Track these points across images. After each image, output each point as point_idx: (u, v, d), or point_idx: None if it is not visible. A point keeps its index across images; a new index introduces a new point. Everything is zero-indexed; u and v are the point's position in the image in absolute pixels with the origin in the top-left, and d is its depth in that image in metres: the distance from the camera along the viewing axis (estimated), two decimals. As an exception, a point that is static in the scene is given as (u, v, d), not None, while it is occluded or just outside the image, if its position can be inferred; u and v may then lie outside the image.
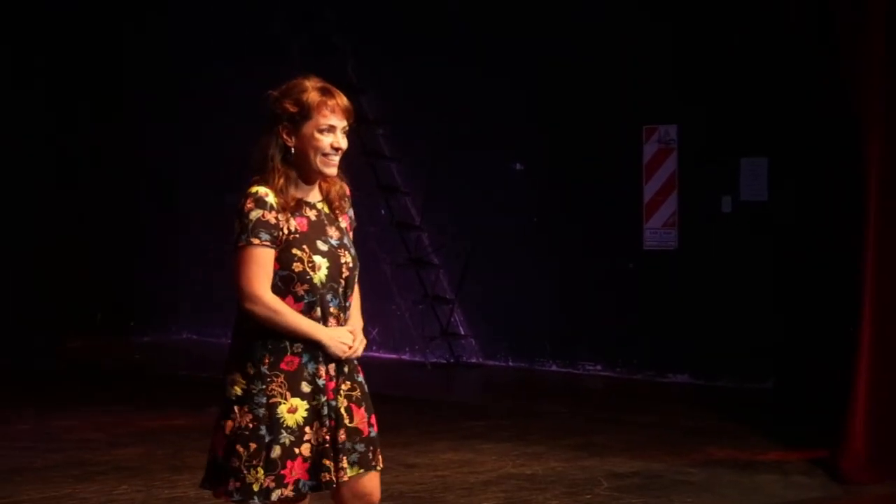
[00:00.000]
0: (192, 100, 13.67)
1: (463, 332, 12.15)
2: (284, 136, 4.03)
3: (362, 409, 4.10)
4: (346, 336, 4.04)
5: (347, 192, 4.20)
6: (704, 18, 10.57)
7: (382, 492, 4.25)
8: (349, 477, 4.05)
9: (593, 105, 11.11)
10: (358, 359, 4.16)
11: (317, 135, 4.01)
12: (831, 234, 9.61)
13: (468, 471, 7.16)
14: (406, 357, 12.24)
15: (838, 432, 7.16)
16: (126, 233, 13.84)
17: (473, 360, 12.05)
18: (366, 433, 4.10)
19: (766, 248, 10.25)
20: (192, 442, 8.00)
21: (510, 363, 11.80)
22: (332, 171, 4.07)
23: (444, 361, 12.03)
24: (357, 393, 4.10)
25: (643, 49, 10.84)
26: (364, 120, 12.55)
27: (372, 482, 4.14)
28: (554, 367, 11.47)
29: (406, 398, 9.70)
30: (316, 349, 4.01)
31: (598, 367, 11.21)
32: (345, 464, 4.02)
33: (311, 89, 4.04)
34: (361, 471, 4.08)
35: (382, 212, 12.30)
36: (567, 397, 10.16)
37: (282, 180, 4.00)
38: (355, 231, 4.26)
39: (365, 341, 4.13)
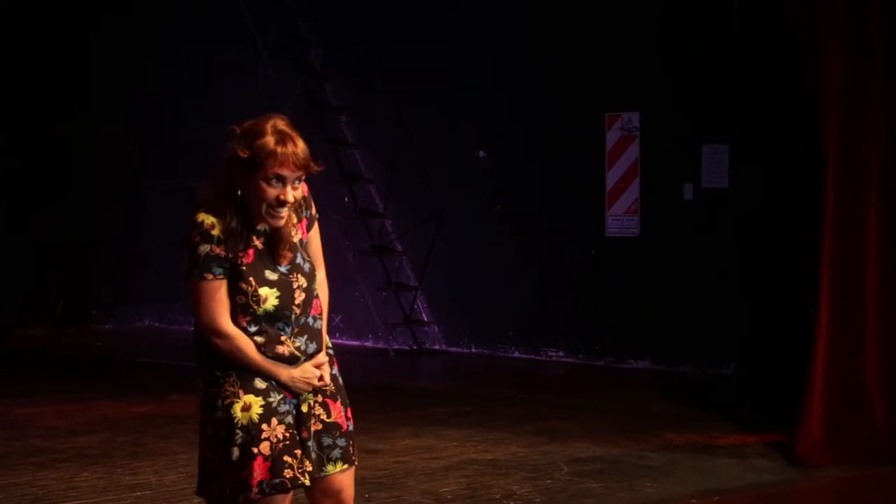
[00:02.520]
0: (155, 87, 13.60)
1: (426, 319, 12.17)
2: (236, 178, 3.83)
3: (338, 402, 4.00)
4: (310, 373, 3.92)
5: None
6: (666, 6, 10.62)
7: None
8: (331, 474, 3.94)
9: (557, 92, 11.14)
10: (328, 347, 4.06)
11: (263, 185, 3.80)
12: (792, 220, 9.71)
13: (430, 456, 7.18)
14: (369, 344, 12.25)
15: (795, 416, 7.24)
16: (87, 221, 13.76)
17: (436, 347, 12.07)
18: (345, 427, 3.99)
19: (728, 234, 10.33)
20: (154, 429, 8.00)
21: (473, 350, 11.83)
22: (279, 222, 3.86)
23: (407, 348, 12.06)
24: (331, 387, 3.99)
25: (606, 37, 10.87)
26: (327, 107, 12.55)
27: (346, 478, 4.00)
28: (516, 354, 11.52)
29: (369, 385, 9.69)
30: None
31: (560, 354, 11.26)
32: (309, 463, 3.89)
33: (269, 134, 3.80)
34: (345, 466, 3.97)
35: (346, 199, 12.29)
36: (529, 383, 10.21)
37: (232, 221, 3.83)
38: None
39: (329, 370, 3.99)
